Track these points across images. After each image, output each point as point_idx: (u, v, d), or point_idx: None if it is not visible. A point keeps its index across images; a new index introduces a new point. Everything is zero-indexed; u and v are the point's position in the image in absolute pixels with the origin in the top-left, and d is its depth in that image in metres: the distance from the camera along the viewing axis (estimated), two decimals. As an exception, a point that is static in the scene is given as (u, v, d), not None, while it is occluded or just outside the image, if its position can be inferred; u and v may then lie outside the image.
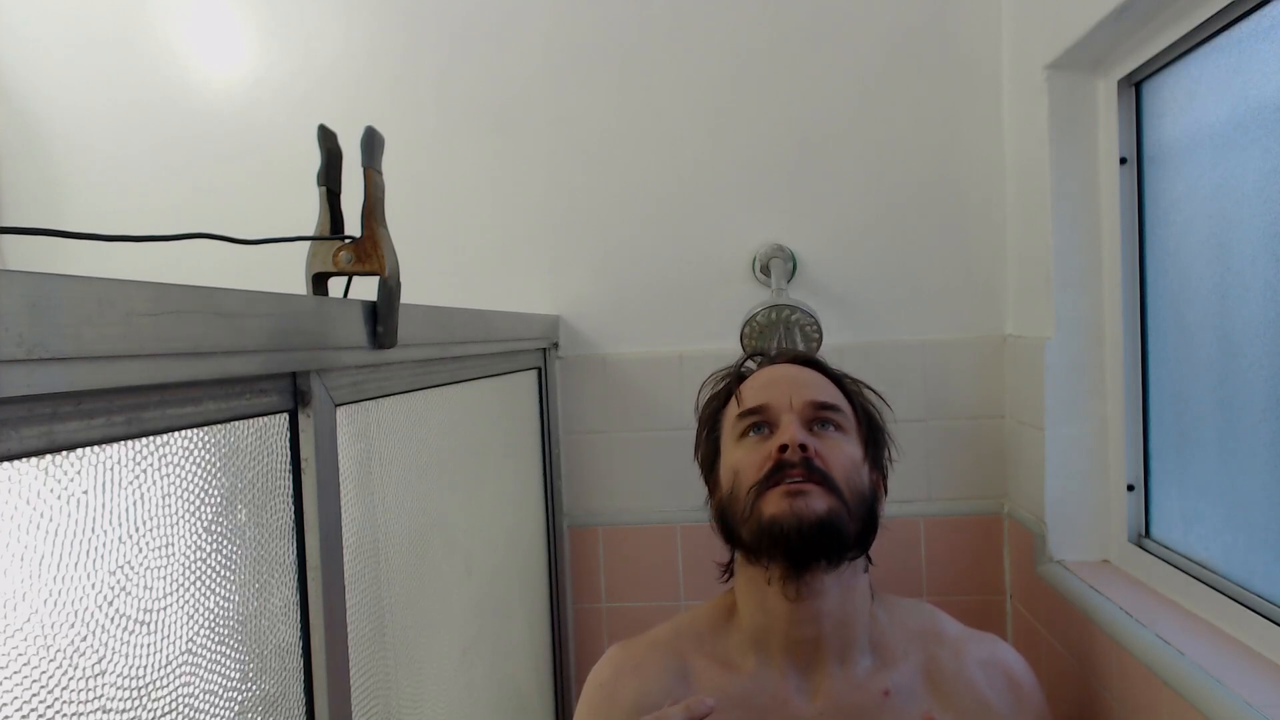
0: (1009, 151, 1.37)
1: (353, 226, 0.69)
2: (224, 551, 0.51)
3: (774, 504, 0.81)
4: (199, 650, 0.48)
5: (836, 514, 0.80)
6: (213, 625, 0.49)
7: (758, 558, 0.84)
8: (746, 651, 0.87)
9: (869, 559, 0.89)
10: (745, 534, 0.83)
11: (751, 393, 0.91)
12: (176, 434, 0.47)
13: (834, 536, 0.80)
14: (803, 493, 0.80)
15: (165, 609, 0.45)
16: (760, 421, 0.88)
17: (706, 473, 0.97)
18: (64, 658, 0.38)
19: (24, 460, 0.36)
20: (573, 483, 1.48)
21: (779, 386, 0.90)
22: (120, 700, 0.42)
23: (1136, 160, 1.12)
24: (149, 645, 0.44)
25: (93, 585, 0.40)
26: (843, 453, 0.85)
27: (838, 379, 0.96)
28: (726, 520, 0.88)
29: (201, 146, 1.56)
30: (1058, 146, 1.19)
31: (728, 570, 0.93)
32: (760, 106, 1.44)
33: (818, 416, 0.87)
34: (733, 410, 0.92)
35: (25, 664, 0.37)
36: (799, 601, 0.82)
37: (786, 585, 0.82)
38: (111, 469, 0.42)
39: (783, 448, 0.82)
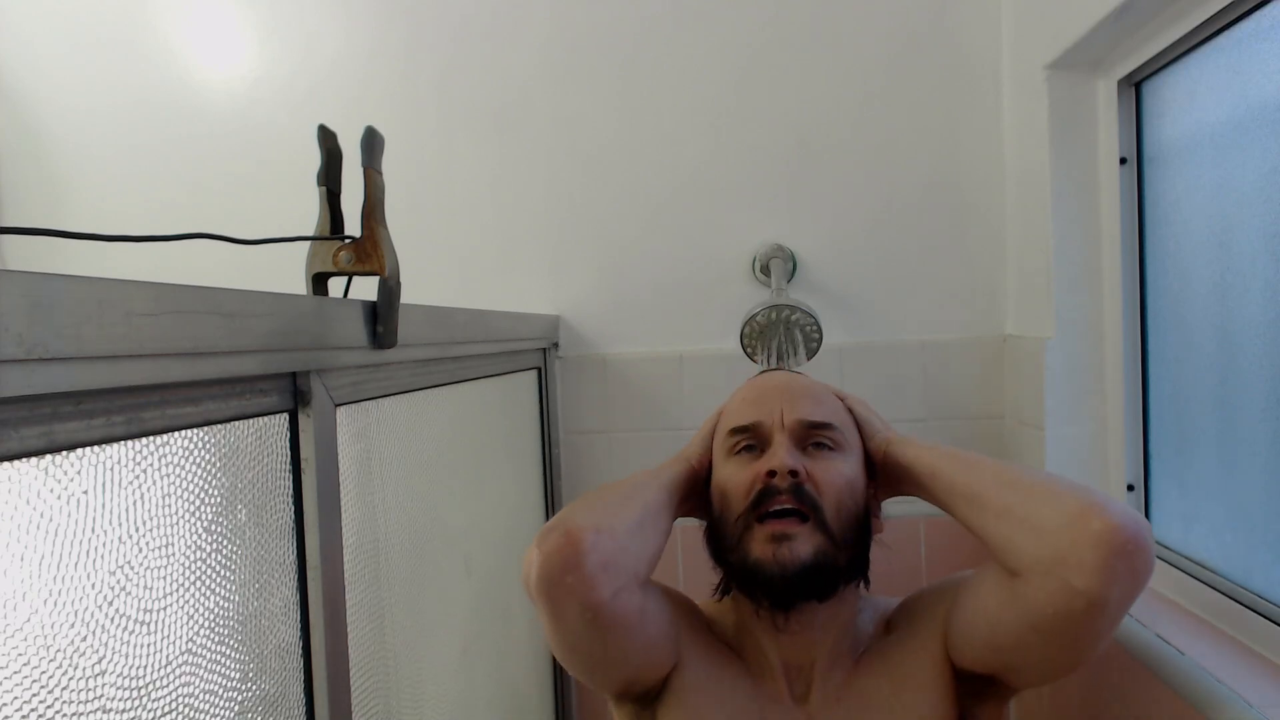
0: (1009, 152, 1.37)
1: (353, 226, 0.69)
2: (224, 551, 0.51)
3: (759, 547, 0.78)
4: (199, 650, 0.48)
5: (823, 555, 0.77)
6: (213, 625, 0.49)
7: (746, 592, 0.83)
8: (744, 647, 0.86)
9: (865, 581, 0.88)
10: (732, 564, 0.81)
11: (742, 407, 0.87)
12: (176, 434, 0.47)
13: (822, 578, 0.77)
14: (788, 536, 0.76)
15: (165, 609, 0.45)
16: (751, 441, 0.84)
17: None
18: (64, 658, 0.38)
19: (24, 460, 0.36)
20: (573, 483, 1.48)
21: (770, 401, 0.85)
22: (120, 700, 0.42)
23: (1136, 160, 1.12)
24: (149, 645, 0.44)
25: (93, 585, 0.40)
26: (837, 474, 0.81)
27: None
28: (715, 544, 0.85)
29: (202, 146, 1.56)
30: (1058, 147, 1.19)
31: (719, 589, 0.91)
32: (760, 107, 1.44)
33: (811, 436, 0.83)
34: (725, 422, 0.88)
35: (25, 664, 0.37)
36: (788, 632, 0.81)
37: (776, 617, 0.80)
38: (111, 469, 0.42)
39: (771, 473, 0.79)
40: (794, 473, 0.78)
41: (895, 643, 0.83)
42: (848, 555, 0.80)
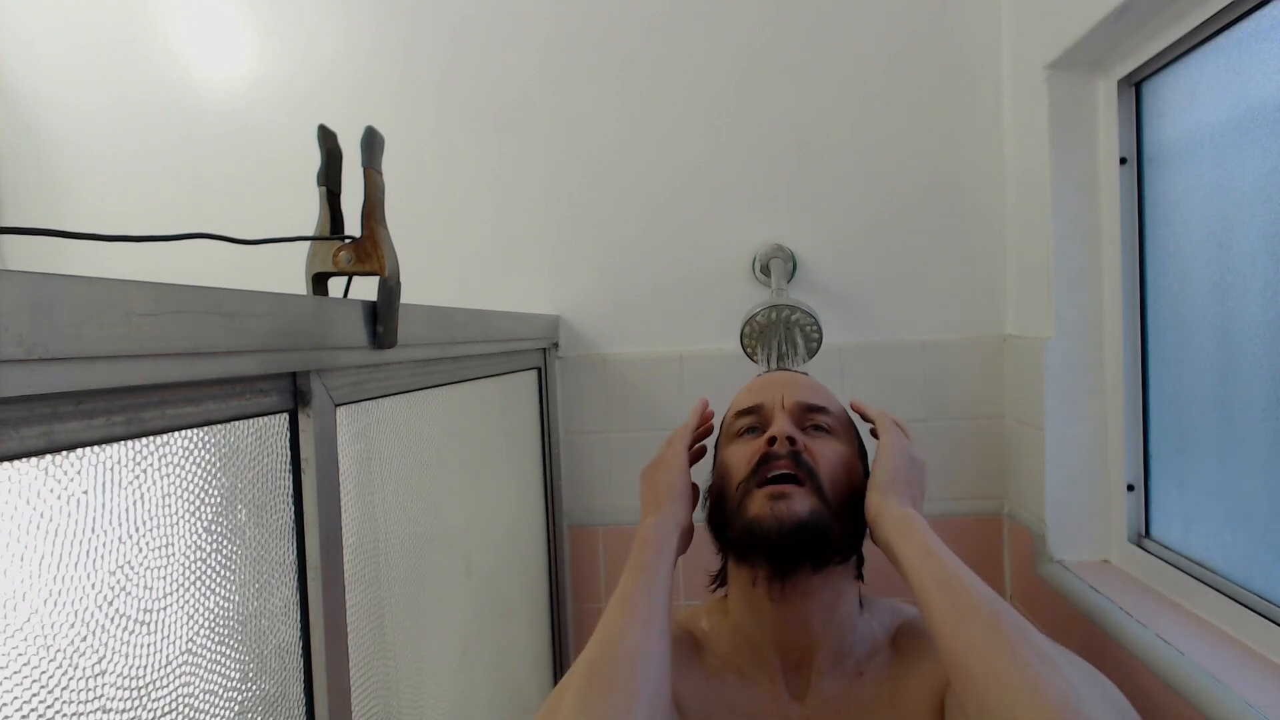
0: (1009, 152, 1.37)
1: (353, 226, 0.69)
2: (224, 551, 0.51)
3: (757, 505, 0.81)
4: (199, 650, 0.48)
5: (818, 516, 0.80)
6: (213, 625, 0.49)
7: (744, 557, 0.84)
8: (740, 651, 0.87)
9: (860, 574, 0.88)
10: (732, 533, 0.84)
11: (747, 395, 0.94)
12: (176, 434, 0.47)
13: (816, 539, 0.79)
14: (785, 495, 0.80)
15: (165, 609, 0.45)
16: (754, 423, 0.90)
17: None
18: (64, 658, 0.38)
19: (24, 460, 0.36)
20: (573, 483, 1.48)
21: (773, 388, 0.92)
22: (120, 700, 0.42)
23: (1136, 160, 1.12)
24: (149, 645, 0.44)
25: (93, 585, 0.40)
26: (833, 451, 0.86)
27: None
28: (718, 518, 0.88)
29: (202, 146, 1.56)
30: (1058, 147, 1.19)
31: (717, 580, 0.94)
32: (760, 106, 1.44)
33: (809, 419, 0.89)
34: (731, 410, 0.95)
35: (25, 664, 0.37)
36: (785, 603, 0.82)
37: (772, 586, 0.81)
38: (111, 469, 0.42)
39: (771, 440, 0.84)
40: (792, 440, 0.83)
41: (902, 669, 0.84)
42: (841, 527, 0.82)
